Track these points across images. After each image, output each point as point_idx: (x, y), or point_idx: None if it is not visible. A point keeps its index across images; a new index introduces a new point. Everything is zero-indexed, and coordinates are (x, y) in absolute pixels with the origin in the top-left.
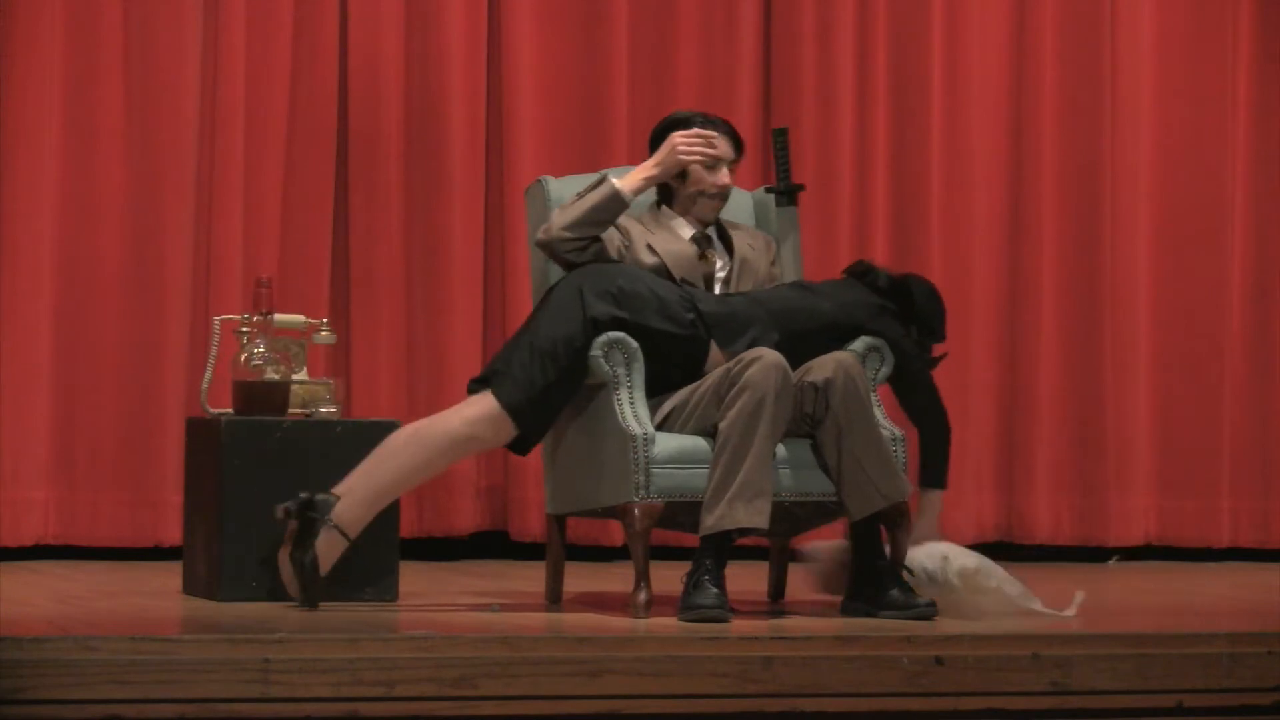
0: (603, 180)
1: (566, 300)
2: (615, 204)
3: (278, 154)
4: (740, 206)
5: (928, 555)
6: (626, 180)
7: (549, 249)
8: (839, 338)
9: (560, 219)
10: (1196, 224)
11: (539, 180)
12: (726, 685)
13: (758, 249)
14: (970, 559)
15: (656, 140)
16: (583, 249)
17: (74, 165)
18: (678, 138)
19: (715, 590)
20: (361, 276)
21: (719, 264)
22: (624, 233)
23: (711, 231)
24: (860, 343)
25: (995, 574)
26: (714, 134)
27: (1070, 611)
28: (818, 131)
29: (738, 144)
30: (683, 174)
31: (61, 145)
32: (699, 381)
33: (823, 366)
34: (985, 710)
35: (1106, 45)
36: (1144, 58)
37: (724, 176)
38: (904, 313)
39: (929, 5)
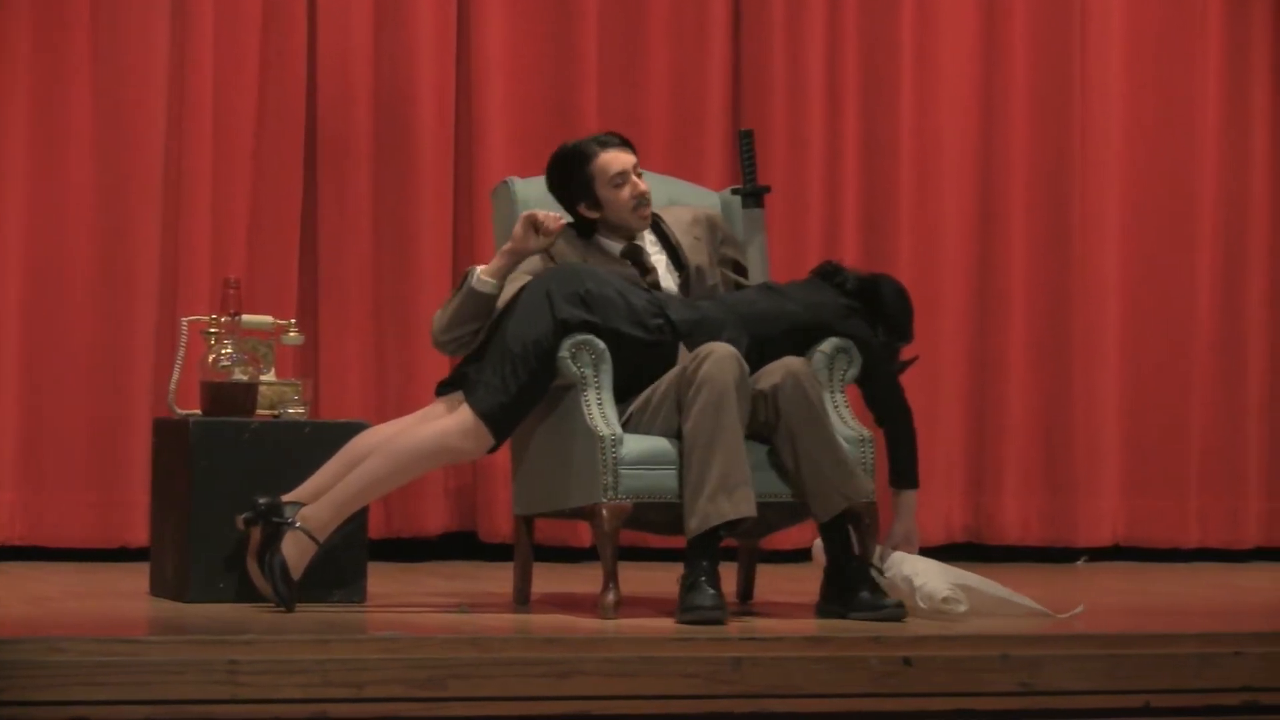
0: (466, 277)
1: (535, 303)
2: (477, 298)
3: (246, 154)
4: (706, 208)
5: (902, 577)
6: (488, 268)
7: (442, 352)
8: (808, 339)
9: (438, 323)
10: (1166, 224)
11: (505, 181)
12: (696, 686)
13: (702, 236)
14: (942, 584)
15: (552, 176)
16: (469, 343)
17: (41, 165)
18: (525, 219)
19: (712, 591)
20: (330, 277)
21: (660, 265)
22: (560, 260)
23: (641, 237)
24: (828, 343)
25: (965, 599)
26: (554, 215)
27: (1064, 615)
28: (787, 131)
29: (631, 147)
30: (598, 204)
31: (28, 145)
32: (657, 383)
33: (771, 374)
34: (955, 711)
35: (1076, 44)
36: (1114, 56)
37: (638, 185)
38: (872, 313)
39: (899, 5)
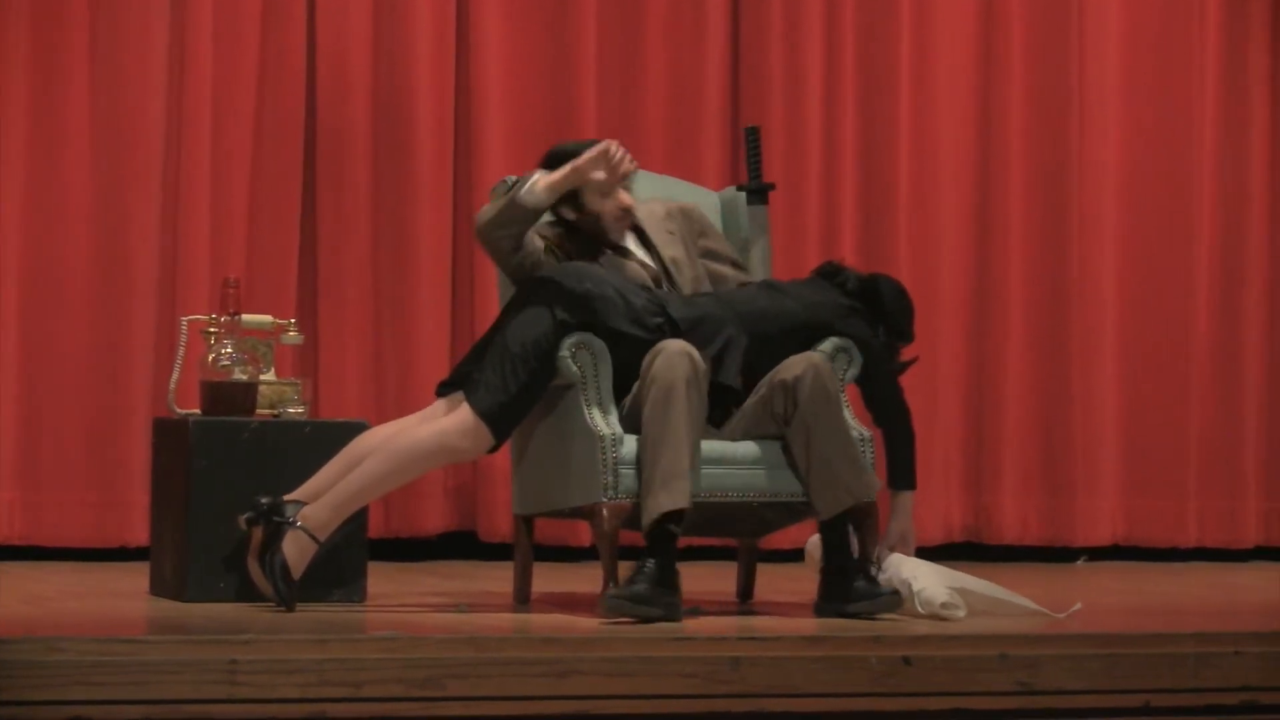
0: (520, 182)
1: (534, 303)
2: (523, 209)
3: (245, 153)
4: (707, 207)
5: (900, 581)
6: (546, 179)
7: (480, 239)
8: (808, 339)
9: (483, 218)
10: (1164, 224)
11: (503, 180)
12: (694, 686)
13: (676, 231)
14: (940, 589)
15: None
16: (514, 246)
17: (40, 164)
18: (601, 149)
19: (643, 586)
20: (329, 276)
21: (640, 256)
22: (560, 258)
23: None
24: (828, 343)
25: (964, 604)
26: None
27: (1062, 614)
28: (786, 130)
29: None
30: (580, 208)
31: (27, 143)
32: (635, 385)
33: (792, 365)
34: (953, 710)
35: (1074, 44)
36: (1112, 57)
37: (624, 198)
38: (872, 313)
39: (897, 4)
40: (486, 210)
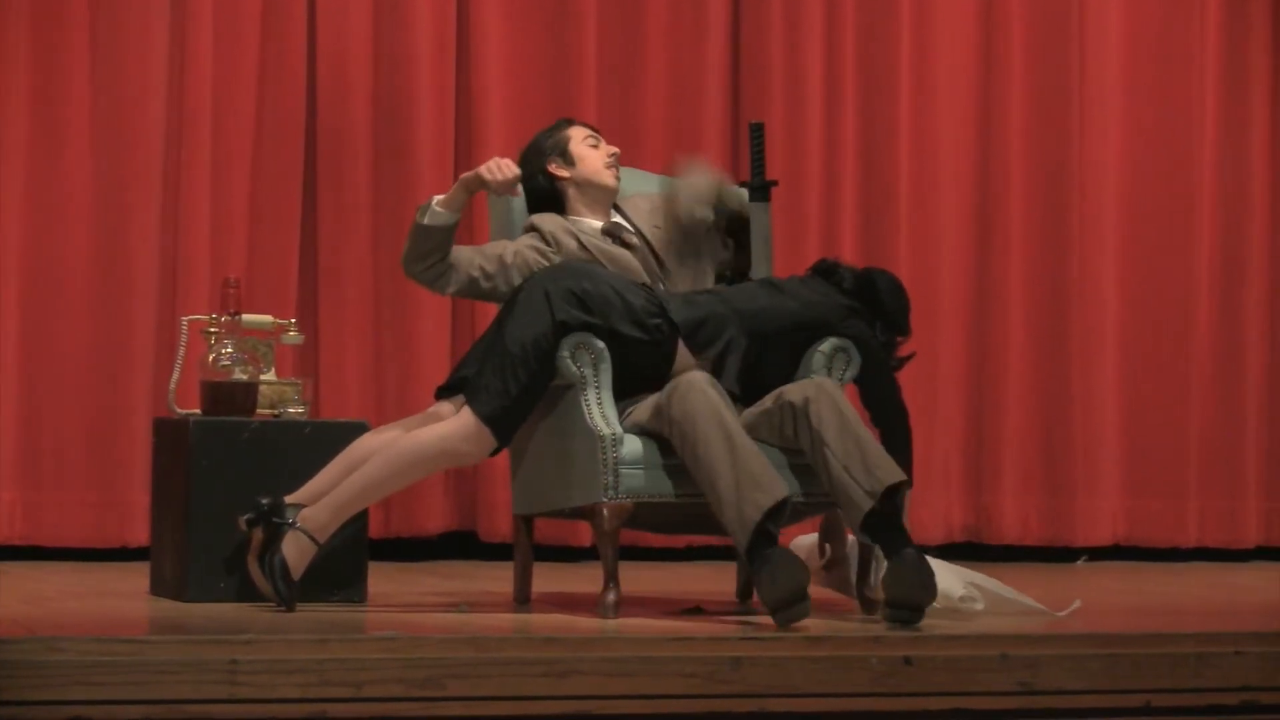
0: (422, 209)
1: (533, 303)
2: (430, 232)
3: (245, 153)
4: None
5: None
6: (442, 198)
7: (409, 278)
8: (807, 338)
9: (404, 256)
10: (1164, 225)
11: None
12: (695, 686)
13: (662, 225)
14: (956, 583)
15: (536, 150)
16: (442, 273)
17: (41, 164)
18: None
19: (785, 590)
20: (330, 276)
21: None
22: (550, 239)
23: (615, 219)
24: (827, 343)
25: (980, 598)
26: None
27: (1063, 613)
28: (786, 129)
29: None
30: (570, 161)
31: (27, 143)
32: (637, 406)
33: (802, 388)
34: (953, 710)
35: (1075, 45)
36: (1112, 58)
37: (609, 146)
38: (870, 308)
39: (897, 3)
40: (405, 251)
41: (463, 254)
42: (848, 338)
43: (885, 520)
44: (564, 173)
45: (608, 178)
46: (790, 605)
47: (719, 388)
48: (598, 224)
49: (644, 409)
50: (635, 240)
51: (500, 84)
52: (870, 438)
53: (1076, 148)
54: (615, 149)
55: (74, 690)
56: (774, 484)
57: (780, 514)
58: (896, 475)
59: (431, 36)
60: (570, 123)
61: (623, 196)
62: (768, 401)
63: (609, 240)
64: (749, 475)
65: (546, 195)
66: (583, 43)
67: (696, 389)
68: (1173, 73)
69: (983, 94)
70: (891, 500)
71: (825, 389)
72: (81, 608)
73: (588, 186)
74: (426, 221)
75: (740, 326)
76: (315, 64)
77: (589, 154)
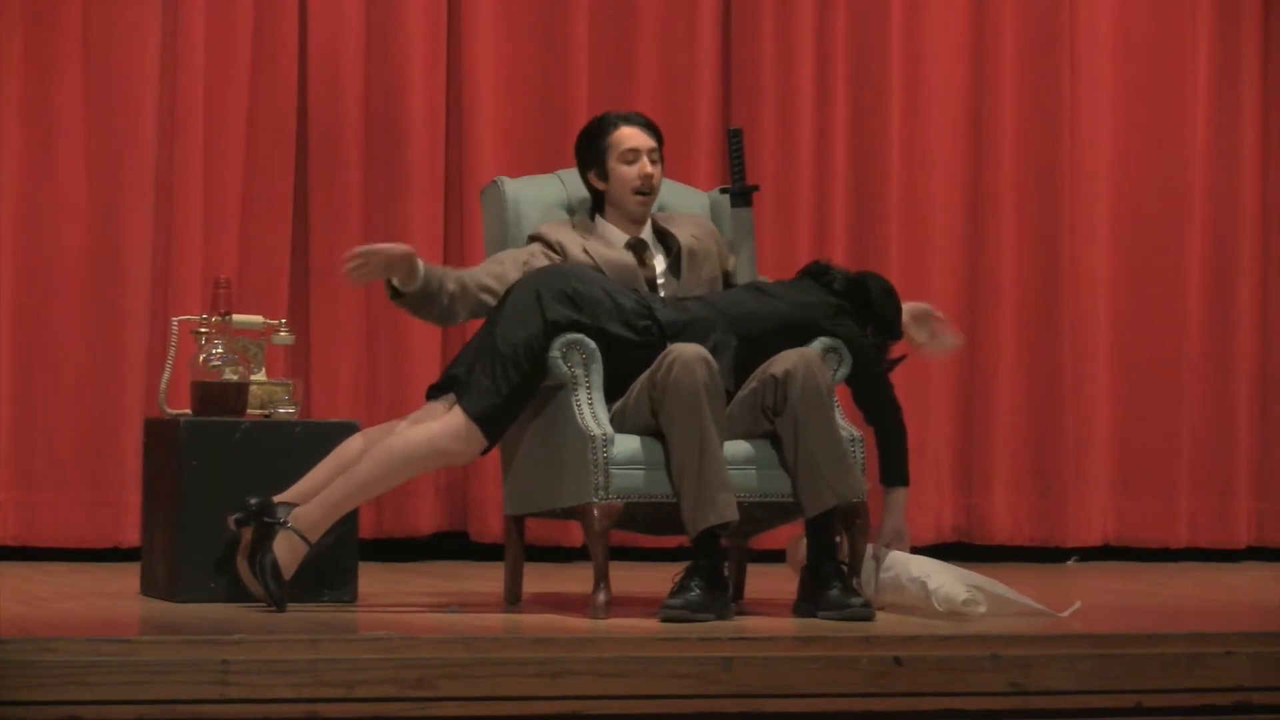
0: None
1: (524, 304)
2: (411, 300)
3: (237, 154)
4: (696, 208)
5: (910, 579)
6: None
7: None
8: (797, 339)
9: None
10: (1155, 225)
11: (495, 181)
12: (687, 686)
13: (702, 237)
14: (959, 586)
15: (579, 140)
16: (451, 314)
17: (32, 164)
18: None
19: (696, 593)
20: (321, 277)
21: (659, 266)
22: (558, 248)
23: (647, 234)
24: (818, 343)
25: (983, 601)
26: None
27: (1065, 613)
28: (777, 132)
29: (656, 133)
30: (605, 175)
31: (19, 143)
32: (633, 385)
33: (785, 359)
34: (944, 711)
35: (1065, 46)
36: (1103, 59)
37: (646, 166)
38: (860, 311)
39: (888, 6)
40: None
41: (467, 283)
42: (838, 337)
43: (827, 530)
44: (599, 185)
45: (632, 205)
46: (693, 612)
47: (711, 365)
48: (623, 236)
49: (636, 388)
50: (657, 261)
51: (491, 83)
52: (842, 439)
53: (1067, 149)
54: (651, 170)
55: (67, 690)
56: (726, 507)
57: (725, 530)
58: (860, 495)
59: (423, 36)
60: (619, 124)
61: (663, 208)
62: (754, 380)
63: (626, 253)
64: (707, 490)
65: (592, 193)
66: (574, 44)
67: (686, 366)
68: (1163, 75)
69: (974, 95)
70: (830, 518)
71: (809, 362)
72: (74, 608)
73: (617, 202)
74: (410, 289)
75: (729, 328)
76: (306, 64)
77: (622, 173)
